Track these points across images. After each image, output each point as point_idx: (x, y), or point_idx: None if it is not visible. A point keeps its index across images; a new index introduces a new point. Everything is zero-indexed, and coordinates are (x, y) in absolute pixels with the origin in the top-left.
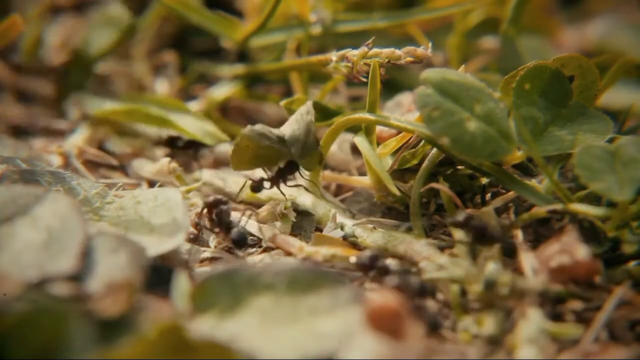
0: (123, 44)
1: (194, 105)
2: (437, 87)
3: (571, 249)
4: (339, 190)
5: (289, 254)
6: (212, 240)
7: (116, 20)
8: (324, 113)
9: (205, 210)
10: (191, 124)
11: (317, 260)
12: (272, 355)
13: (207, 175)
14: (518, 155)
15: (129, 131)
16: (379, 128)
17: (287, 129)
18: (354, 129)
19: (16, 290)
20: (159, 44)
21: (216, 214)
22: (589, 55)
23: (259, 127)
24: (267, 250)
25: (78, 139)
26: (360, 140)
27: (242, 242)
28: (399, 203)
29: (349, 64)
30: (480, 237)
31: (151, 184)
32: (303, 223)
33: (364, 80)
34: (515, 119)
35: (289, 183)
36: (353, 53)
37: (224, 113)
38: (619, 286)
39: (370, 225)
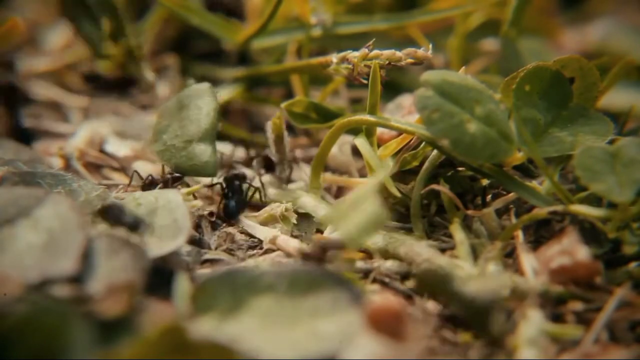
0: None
1: None
2: (437, 89)
3: (572, 250)
4: (340, 192)
5: (289, 255)
6: (213, 243)
7: None
8: (324, 115)
9: None
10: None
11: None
12: (272, 356)
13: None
14: (518, 157)
15: (129, 133)
16: (379, 130)
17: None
18: (354, 130)
19: (17, 291)
20: (160, 46)
21: None
22: (590, 57)
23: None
24: (267, 252)
25: (79, 141)
26: (361, 142)
27: None
28: (399, 205)
29: (350, 66)
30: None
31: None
32: (304, 225)
33: (365, 82)
34: (516, 121)
35: (290, 185)
36: (354, 55)
37: (226, 115)
38: (620, 287)
39: None
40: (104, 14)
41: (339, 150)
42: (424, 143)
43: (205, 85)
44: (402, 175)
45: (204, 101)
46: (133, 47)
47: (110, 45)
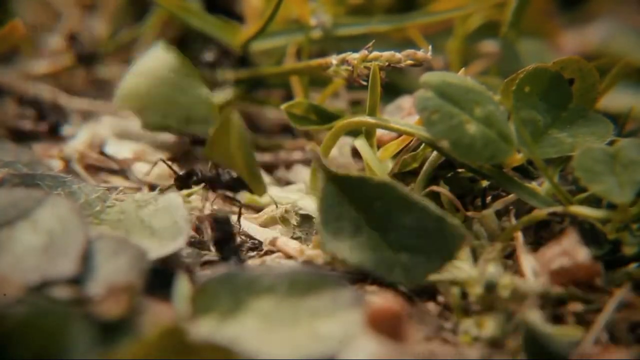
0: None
1: None
2: (437, 90)
3: (571, 251)
4: None
5: (289, 257)
6: (213, 244)
7: None
8: (324, 117)
9: None
10: None
11: (318, 264)
12: (272, 357)
13: None
14: (518, 158)
15: (129, 135)
16: (379, 131)
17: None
18: (354, 132)
19: (17, 293)
20: None
21: None
22: (589, 58)
23: None
24: (267, 253)
25: (79, 143)
26: (360, 144)
27: None
28: None
29: (349, 68)
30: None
31: (152, 187)
32: (304, 226)
33: (364, 83)
34: (515, 122)
35: (290, 187)
36: (353, 56)
37: None
38: (620, 288)
39: None
40: None
41: (339, 152)
42: (423, 144)
43: None
44: (402, 176)
45: None
46: None
47: None
